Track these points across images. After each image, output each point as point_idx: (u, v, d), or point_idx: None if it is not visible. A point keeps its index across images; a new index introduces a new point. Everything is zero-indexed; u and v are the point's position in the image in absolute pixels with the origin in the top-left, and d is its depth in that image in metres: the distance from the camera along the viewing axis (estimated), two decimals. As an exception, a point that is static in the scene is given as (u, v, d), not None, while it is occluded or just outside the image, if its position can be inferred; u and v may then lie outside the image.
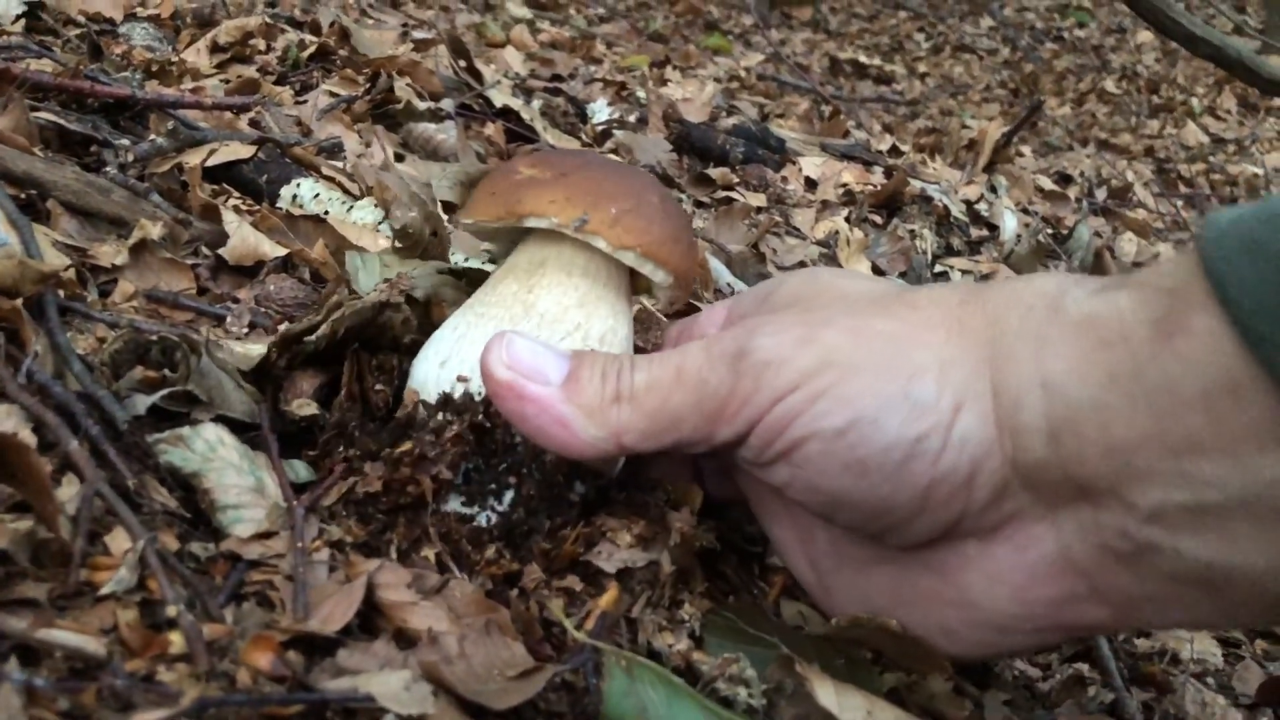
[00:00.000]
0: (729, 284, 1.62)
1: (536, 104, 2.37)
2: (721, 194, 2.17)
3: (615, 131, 2.38)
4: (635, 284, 0.89)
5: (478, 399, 0.78)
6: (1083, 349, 0.63)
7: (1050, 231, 2.65)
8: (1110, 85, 8.04)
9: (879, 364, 0.67)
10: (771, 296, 0.80)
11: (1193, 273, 0.60)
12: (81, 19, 1.93)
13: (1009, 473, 0.66)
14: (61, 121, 1.29)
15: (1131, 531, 0.63)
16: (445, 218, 1.37)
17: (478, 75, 2.24)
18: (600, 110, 2.50)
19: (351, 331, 0.85)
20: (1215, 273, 0.58)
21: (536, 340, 0.75)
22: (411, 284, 0.89)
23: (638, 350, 0.87)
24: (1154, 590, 0.65)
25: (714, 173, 2.25)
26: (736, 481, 0.83)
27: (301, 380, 0.85)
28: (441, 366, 0.80)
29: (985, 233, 2.44)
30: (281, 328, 0.84)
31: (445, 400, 0.78)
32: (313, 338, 0.84)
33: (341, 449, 0.81)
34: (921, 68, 8.39)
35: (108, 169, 1.21)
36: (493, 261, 0.99)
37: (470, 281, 0.96)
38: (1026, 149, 4.51)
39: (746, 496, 0.83)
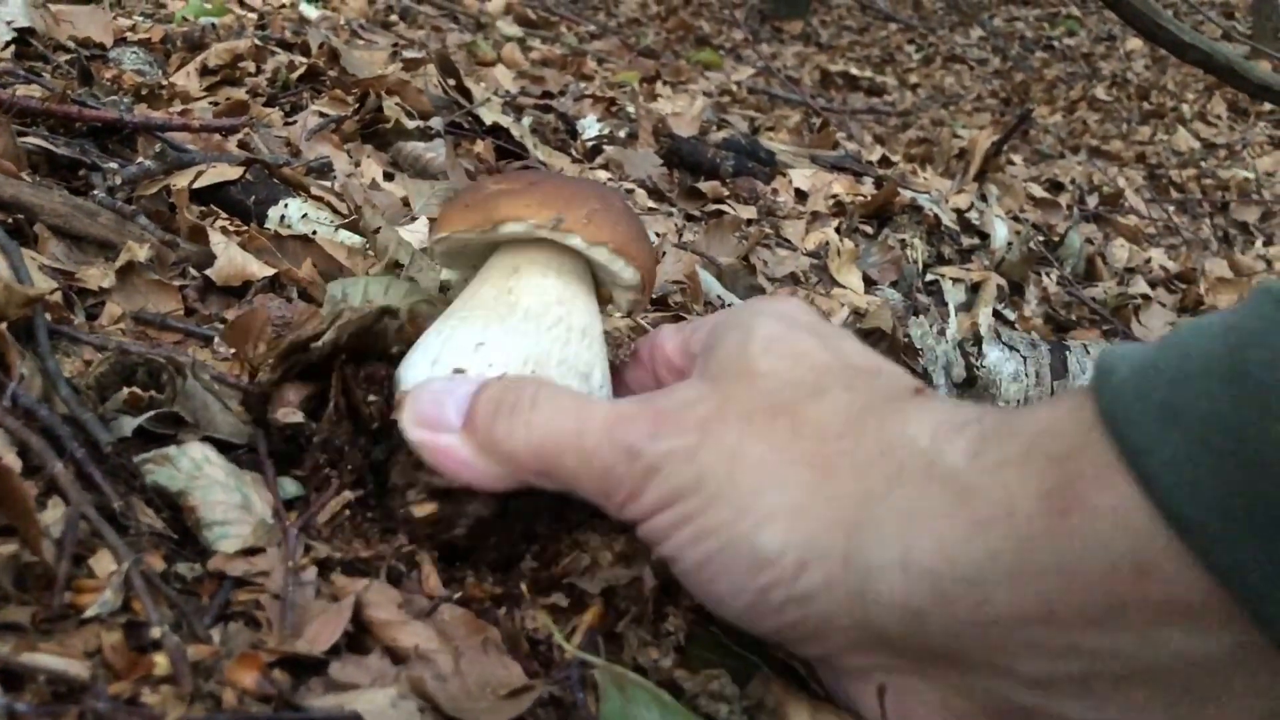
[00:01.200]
0: (719, 296, 1.62)
1: (527, 121, 2.38)
2: (712, 207, 2.17)
3: (605, 147, 2.38)
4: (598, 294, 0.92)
5: None
6: (957, 526, 0.59)
7: (1042, 239, 2.65)
8: (1101, 92, 8.07)
9: (739, 499, 0.65)
10: (714, 351, 0.76)
11: (1089, 437, 0.56)
12: (71, 44, 1.94)
13: (863, 635, 0.64)
14: (49, 146, 1.29)
15: (1012, 697, 0.62)
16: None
17: (467, 93, 2.25)
18: (590, 126, 2.50)
19: (351, 340, 0.85)
20: (1125, 442, 0.54)
21: (440, 384, 0.76)
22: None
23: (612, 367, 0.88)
24: None
25: (704, 186, 2.25)
26: None
27: (289, 391, 0.85)
28: (433, 365, 0.80)
29: (976, 241, 2.44)
30: (288, 338, 0.85)
31: None
32: (319, 344, 0.84)
33: (334, 469, 0.81)
34: (912, 79, 8.42)
35: (95, 192, 1.21)
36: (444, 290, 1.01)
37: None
38: (1018, 157, 4.52)
39: None
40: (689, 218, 2.11)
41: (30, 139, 1.29)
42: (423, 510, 0.78)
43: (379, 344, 0.87)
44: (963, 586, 0.59)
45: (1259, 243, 4.35)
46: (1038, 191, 3.36)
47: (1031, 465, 0.59)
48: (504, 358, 0.80)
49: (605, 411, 0.72)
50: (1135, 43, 8.73)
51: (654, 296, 1.53)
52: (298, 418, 0.85)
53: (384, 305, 0.86)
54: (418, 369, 0.81)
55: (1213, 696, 0.57)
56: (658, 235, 1.82)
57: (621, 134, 2.50)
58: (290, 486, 0.83)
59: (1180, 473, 0.52)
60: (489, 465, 0.73)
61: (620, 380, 0.89)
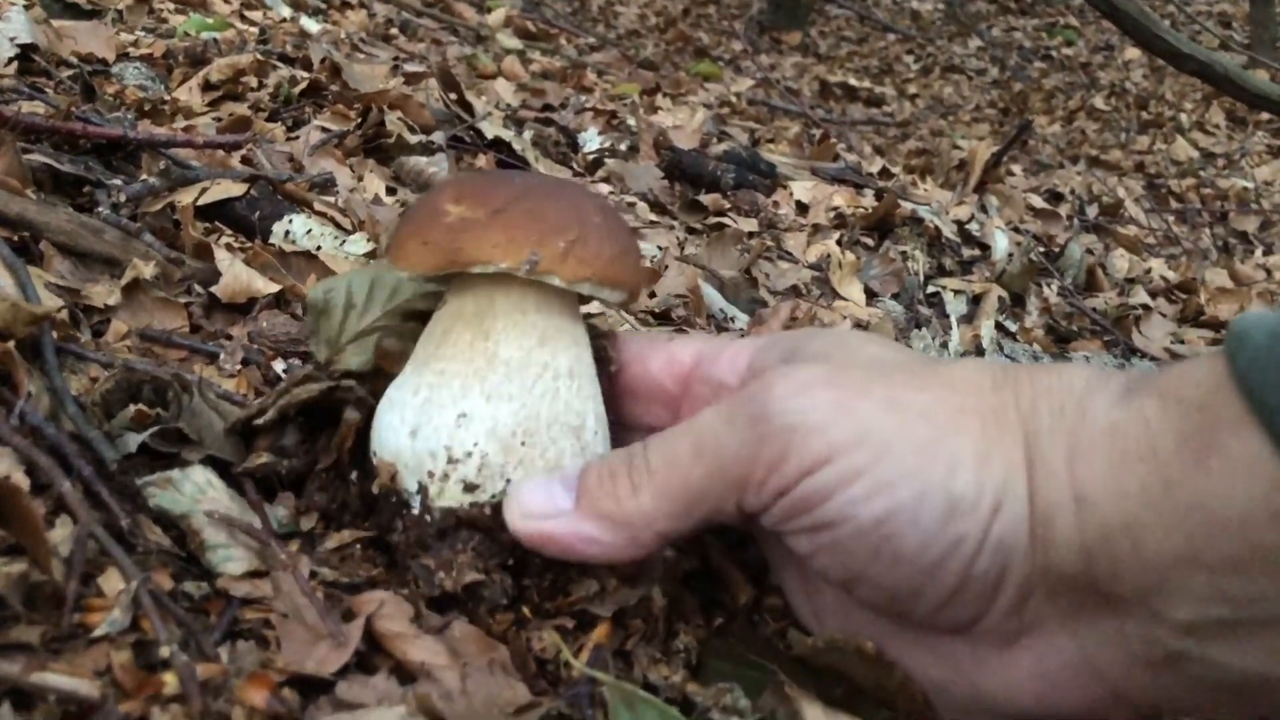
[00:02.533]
0: (721, 310, 1.63)
1: (528, 134, 2.38)
2: (713, 220, 2.18)
3: (606, 160, 2.39)
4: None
5: (487, 507, 0.76)
6: (1112, 462, 0.61)
7: (1042, 250, 2.66)
8: (1099, 102, 8.09)
9: (918, 448, 0.64)
10: (797, 351, 0.76)
11: (1225, 389, 0.58)
12: (74, 60, 1.94)
13: (1036, 580, 0.64)
14: (54, 163, 1.29)
15: (1162, 641, 0.62)
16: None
17: (469, 107, 2.25)
18: (591, 139, 2.51)
19: (303, 414, 0.86)
20: (1257, 397, 0.56)
21: (539, 480, 0.75)
22: (345, 365, 0.88)
23: (598, 360, 0.84)
24: (1181, 695, 0.64)
25: (705, 199, 2.26)
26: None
27: (260, 439, 0.87)
28: (413, 438, 0.77)
29: (977, 252, 2.45)
30: (236, 415, 0.85)
31: (459, 520, 0.77)
32: (261, 421, 0.85)
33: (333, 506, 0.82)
34: (911, 89, 8.44)
35: (100, 209, 1.22)
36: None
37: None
38: (1017, 168, 4.53)
39: (754, 536, 0.82)
40: (690, 231, 2.12)
41: (35, 156, 1.29)
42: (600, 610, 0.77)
43: (336, 409, 0.85)
44: (1122, 524, 0.60)
45: (1259, 252, 4.36)
46: (1038, 202, 3.36)
47: (1171, 410, 0.60)
48: (491, 432, 0.76)
49: (711, 412, 0.70)
50: (1133, 52, 8.75)
51: (656, 311, 1.53)
52: (266, 459, 0.84)
53: (335, 381, 0.85)
54: (395, 437, 0.78)
55: None
56: (660, 249, 1.82)
57: (622, 147, 2.51)
58: (283, 513, 0.83)
59: None
60: (616, 534, 0.70)
61: (616, 396, 0.86)
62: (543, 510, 0.72)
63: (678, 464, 0.69)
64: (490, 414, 0.77)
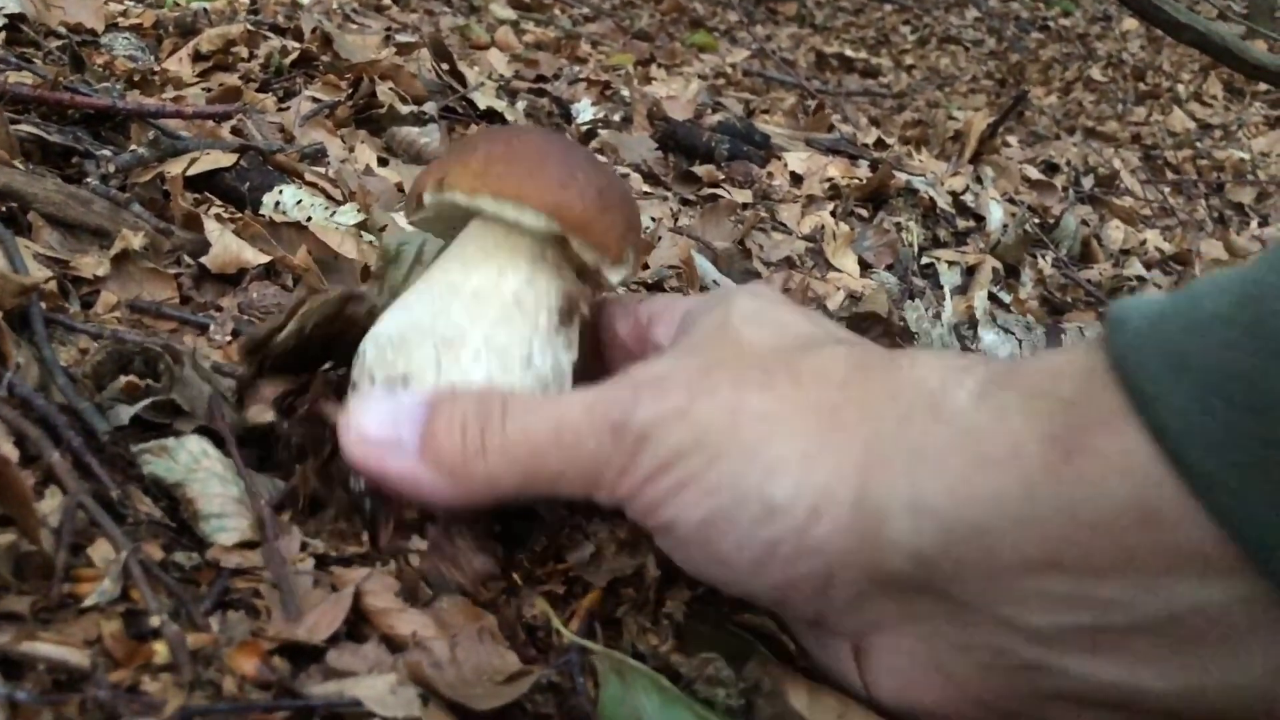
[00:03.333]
0: (715, 281, 1.62)
1: (521, 105, 2.37)
2: (707, 191, 2.17)
3: (600, 131, 2.38)
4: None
5: None
6: (963, 467, 0.58)
7: (1037, 221, 2.65)
8: (1096, 73, 8.06)
9: (744, 452, 0.63)
10: (690, 330, 0.75)
11: (1098, 382, 0.55)
12: (63, 30, 1.93)
13: (867, 584, 0.62)
14: (42, 133, 1.29)
15: (1013, 651, 0.60)
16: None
17: (461, 78, 2.24)
18: (585, 110, 2.50)
19: (319, 329, 0.84)
20: (1135, 388, 0.53)
21: (386, 402, 0.73)
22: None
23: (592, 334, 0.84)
24: (1039, 707, 0.62)
25: (700, 170, 2.25)
26: None
27: (265, 388, 0.85)
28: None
29: (972, 223, 2.44)
30: (247, 333, 0.83)
31: None
32: (281, 336, 0.83)
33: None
34: (908, 60, 8.39)
35: (89, 180, 1.21)
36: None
37: None
38: (1013, 139, 4.51)
39: None
40: (684, 202, 2.11)
41: (23, 126, 1.28)
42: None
43: (350, 331, 0.83)
44: (969, 530, 0.57)
45: (1254, 224, 4.35)
46: (1033, 173, 3.36)
47: (1037, 408, 0.57)
48: (373, 335, 0.77)
49: (579, 399, 0.69)
50: (1131, 23, 8.71)
51: (650, 282, 1.53)
52: (269, 416, 0.84)
53: (348, 291, 0.85)
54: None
55: (1223, 648, 0.56)
56: (653, 220, 1.82)
57: (616, 118, 2.50)
58: (279, 482, 0.83)
59: (1190, 421, 0.51)
60: (455, 490, 0.70)
61: (600, 363, 0.85)
62: (379, 438, 0.71)
63: (533, 446, 0.68)
64: (385, 320, 0.78)
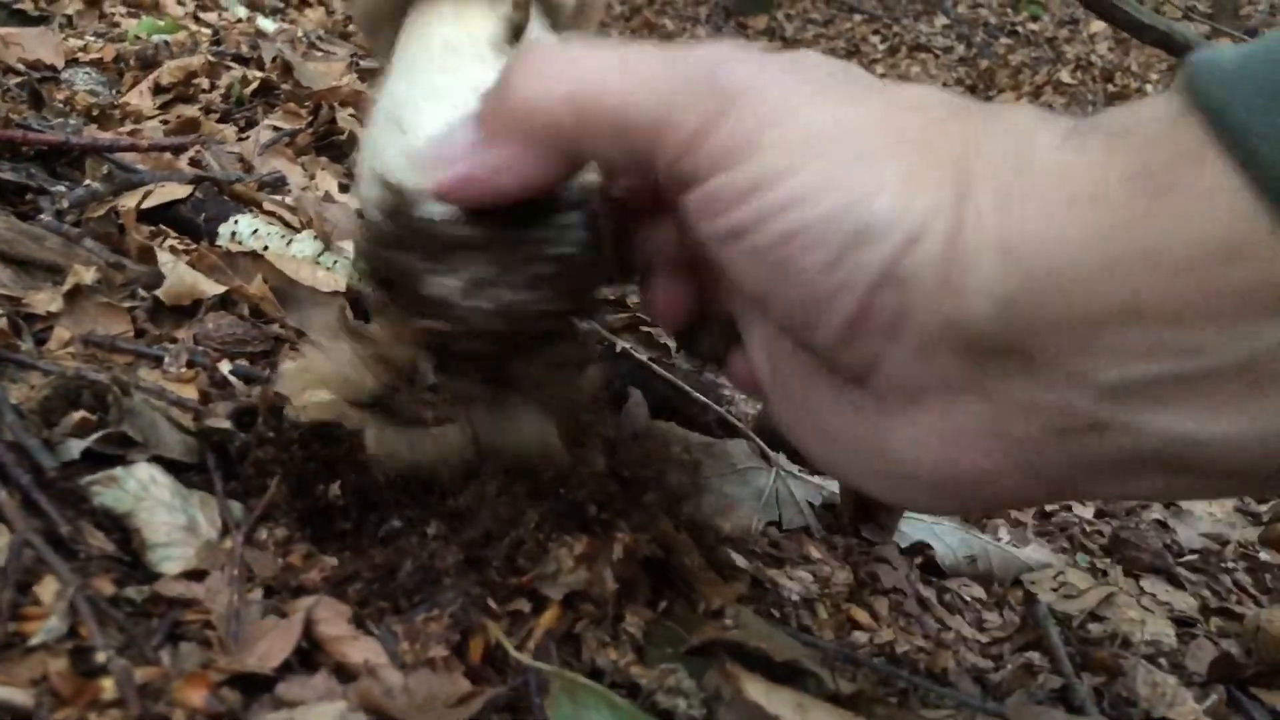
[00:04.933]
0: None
1: (485, 126, 2.37)
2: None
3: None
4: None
5: None
6: (1051, 207, 0.55)
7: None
8: (1066, 76, 8.14)
9: (845, 162, 0.58)
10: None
11: (1181, 122, 0.53)
12: (21, 67, 1.93)
13: (940, 332, 0.58)
14: (-5, 171, 1.28)
15: (1080, 409, 0.57)
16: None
17: (424, 101, 2.24)
18: (550, 129, 2.49)
19: None
20: (1221, 122, 0.51)
21: (440, 135, 0.69)
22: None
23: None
24: (1098, 468, 0.59)
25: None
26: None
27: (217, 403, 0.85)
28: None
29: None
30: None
31: None
32: None
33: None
34: (879, 69, 8.46)
35: (43, 216, 1.21)
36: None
37: None
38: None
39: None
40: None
41: (-25, 165, 1.28)
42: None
43: None
44: (1052, 276, 0.54)
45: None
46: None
47: (1120, 147, 0.55)
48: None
49: (650, 46, 0.63)
50: (1099, 25, 8.79)
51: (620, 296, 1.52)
52: (225, 425, 0.85)
53: None
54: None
55: None
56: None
57: (582, 136, 2.50)
58: (239, 511, 0.83)
59: None
60: (508, 147, 0.64)
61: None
62: (442, 158, 0.67)
63: (594, 69, 0.62)
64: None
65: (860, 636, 0.91)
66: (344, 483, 0.80)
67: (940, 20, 9.67)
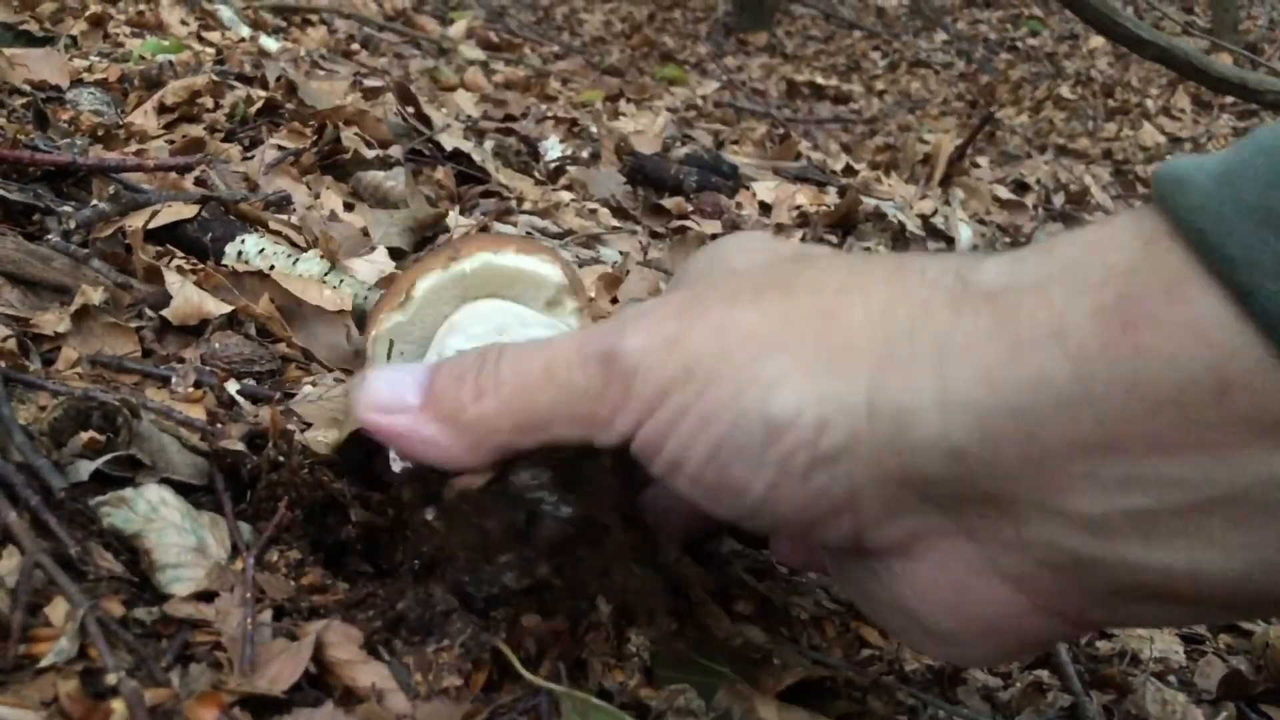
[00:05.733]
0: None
1: (489, 145, 2.38)
2: (676, 223, 2.18)
3: (569, 167, 2.39)
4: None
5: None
6: (998, 353, 0.53)
7: (1008, 240, 2.67)
8: (1066, 91, 8.15)
9: (736, 373, 0.59)
10: (685, 270, 0.74)
11: (1160, 247, 0.51)
12: (27, 88, 1.93)
13: (897, 492, 0.58)
14: (2, 192, 1.29)
15: (1066, 544, 0.55)
16: (393, 265, 1.38)
17: (427, 120, 2.25)
18: (553, 147, 2.51)
19: None
20: (1211, 246, 0.49)
21: (393, 368, 0.73)
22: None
23: None
24: (1104, 598, 0.58)
25: (668, 203, 2.26)
26: None
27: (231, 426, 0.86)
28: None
29: (942, 245, 2.46)
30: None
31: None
32: None
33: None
34: (879, 85, 8.48)
35: (50, 237, 1.21)
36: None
37: None
38: (984, 159, 4.56)
39: None
40: (653, 235, 2.12)
41: (-18, 186, 1.28)
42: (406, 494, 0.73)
43: None
44: (1009, 417, 0.53)
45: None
46: (1004, 193, 3.38)
47: (1082, 281, 0.53)
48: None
49: (570, 337, 0.67)
50: (1098, 41, 8.81)
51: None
52: (239, 446, 0.85)
53: None
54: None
55: None
56: (622, 254, 1.83)
57: (585, 154, 2.51)
58: (248, 534, 0.83)
59: None
60: (456, 439, 0.67)
61: None
62: (387, 400, 0.69)
63: (526, 384, 0.66)
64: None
65: (869, 655, 0.91)
66: (355, 517, 0.81)
67: (940, 36, 9.70)
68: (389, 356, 0.89)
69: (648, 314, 0.64)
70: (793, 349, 0.59)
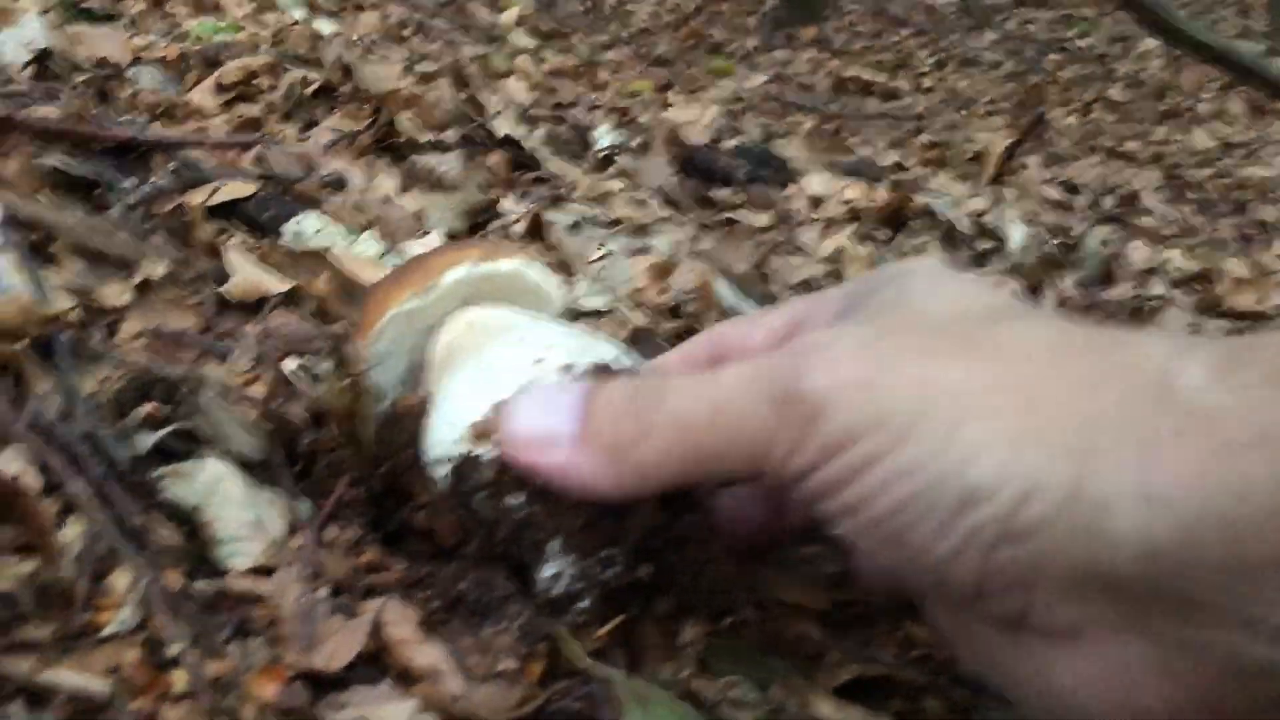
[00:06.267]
0: (733, 305, 1.62)
1: (540, 132, 2.38)
2: (725, 215, 2.18)
3: (618, 157, 2.39)
4: None
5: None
6: (1202, 454, 0.52)
7: (1058, 242, 2.64)
8: (1116, 93, 8.04)
9: (938, 431, 0.56)
10: (857, 305, 0.70)
11: None
12: (89, 65, 1.95)
13: (1081, 579, 0.56)
14: (67, 166, 1.30)
15: (1253, 654, 0.54)
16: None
17: (480, 106, 2.26)
18: (603, 136, 2.51)
19: None
20: None
21: (538, 395, 0.70)
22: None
23: None
24: (1267, 708, 0.56)
25: (718, 194, 2.25)
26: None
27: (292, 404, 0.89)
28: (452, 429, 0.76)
29: (992, 245, 2.43)
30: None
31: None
32: None
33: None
34: (926, 83, 8.40)
35: (112, 211, 1.22)
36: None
37: None
38: (1033, 160, 4.50)
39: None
40: (703, 226, 2.11)
41: (49, 159, 1.30)
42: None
43: None
44: (1212, 523, 0.51)
45: (1277, 242, 4.32)
46: (1054, 194, 3.35)
47: None
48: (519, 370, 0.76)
49: (737, 373, 0.64)
50: (1151, 43, 8.68)
51: (669, 305, 1.53)
52: (295, 423, 0.87)
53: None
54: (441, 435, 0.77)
55: None
56: (672, 244, 1.82)
57: (634, 144, 2.51)
58: (307, 511, 0.84)
59: None
60: (619, 480, 0.66)
61: None
62: (535, 432, 0.68)
63: (692, 426, 0.64)
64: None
65: (921, 654, 0.90)
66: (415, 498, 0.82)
67: (989, 35, 9.60)
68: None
69: (827, 349, 0.62)
70: (997, 417, 0.57)
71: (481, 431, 0.72)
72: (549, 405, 0.69)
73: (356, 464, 0.84)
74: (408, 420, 0.81)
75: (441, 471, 0.75)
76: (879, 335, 0.63)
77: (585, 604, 0.72)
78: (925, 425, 0.57)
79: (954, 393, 0.58)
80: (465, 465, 0.73)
